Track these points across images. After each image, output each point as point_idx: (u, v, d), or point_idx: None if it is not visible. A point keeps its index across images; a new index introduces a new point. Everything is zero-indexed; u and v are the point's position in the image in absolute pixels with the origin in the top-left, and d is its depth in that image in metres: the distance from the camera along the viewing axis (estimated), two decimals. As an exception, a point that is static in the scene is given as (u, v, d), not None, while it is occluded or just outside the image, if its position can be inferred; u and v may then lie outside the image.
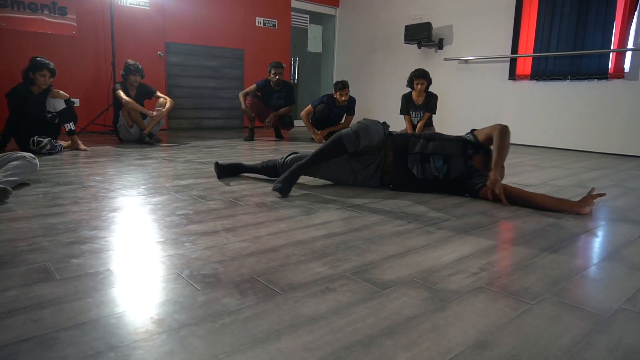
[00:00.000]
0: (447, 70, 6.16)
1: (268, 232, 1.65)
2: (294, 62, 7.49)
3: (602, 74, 4.77)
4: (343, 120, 5.31)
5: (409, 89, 4.71)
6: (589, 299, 1.17)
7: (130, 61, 4.56)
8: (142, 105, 4.69)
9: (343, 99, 4.92)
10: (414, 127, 4.68)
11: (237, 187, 2.49)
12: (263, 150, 4.23)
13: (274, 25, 6.91)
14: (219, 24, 6.37)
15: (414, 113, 4.65)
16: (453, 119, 6.15)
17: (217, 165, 2.72)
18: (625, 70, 4.64)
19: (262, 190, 2.42)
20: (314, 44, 7.82)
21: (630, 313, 1.11)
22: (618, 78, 4.68)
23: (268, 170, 2.70)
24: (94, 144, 4.36)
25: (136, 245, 1.47)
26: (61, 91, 3.84)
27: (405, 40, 6.36)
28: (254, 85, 5.15)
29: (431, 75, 4.72)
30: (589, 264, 1.44)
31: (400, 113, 4.74)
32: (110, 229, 1.63)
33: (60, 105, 3.81)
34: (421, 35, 6.14)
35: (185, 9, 6.02)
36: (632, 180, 3.12)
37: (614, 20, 4.67)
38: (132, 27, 5.61)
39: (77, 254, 1.37)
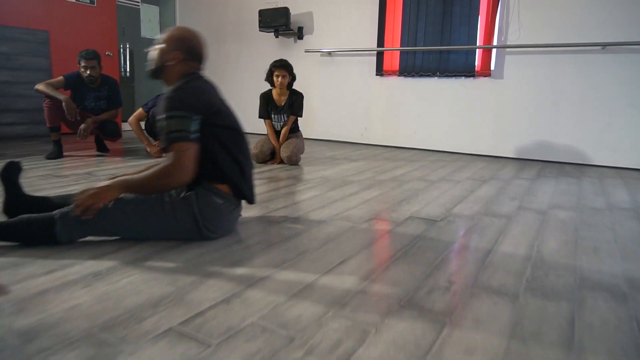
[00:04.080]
0: (308, 63, 5.45)
1: None
2: (124, 49, 6.04)
3: (469, 72, 4.52)
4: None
5: (268, 87, 3.83)
6: None
7: None
8: None
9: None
10: (277, 133, 3.82)
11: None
12: (73, 176, 2.94)
13: (91, 2, 5.38)
14: (5, -5, 4.65)
15: (276, 117, 3.78)
16: (316, 119, 5.48)
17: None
18: (491, 68, 4.44)
19: None
20: (149, 29, 6.43)
21: None
22: (485, 76, 4.47)
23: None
24: None
25: None
26: None
27: (260, 27, 5.45)
28: (60, 78, 3.72)
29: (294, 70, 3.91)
30: None
31: (260, 117, 3.84)
32: None
33: None
34: (278, 22, 5.31)
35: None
36: (531, 197, 2.72)
37: (478, 14, 4.42)
38: None
39: None
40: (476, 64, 4.50)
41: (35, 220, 1.62)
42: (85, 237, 1.68)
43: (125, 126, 5.59)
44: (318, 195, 2.62)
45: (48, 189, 2.58)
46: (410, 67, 4.81)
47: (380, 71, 5.01)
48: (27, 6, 4.83)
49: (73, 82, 3.75)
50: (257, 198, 2.51)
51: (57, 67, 5.07)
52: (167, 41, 1.77)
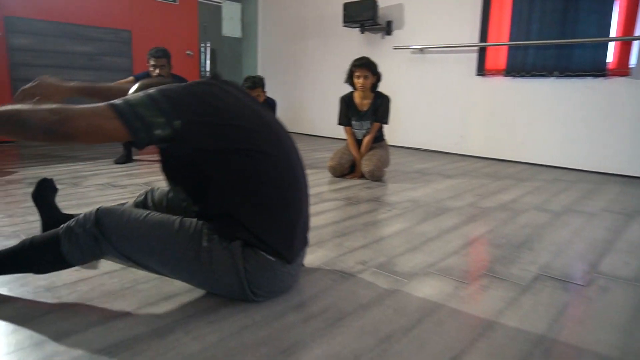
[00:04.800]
0: (397, 62, 4.85)
1: None
2: (205, 49, 5.88)
3: (599, 70, 3.64)
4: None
5: (350, 89, 3.32)
6: None
7: None
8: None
9: (254, 102, 3.43)
10: (358, 143, 3.29)
11: None
12: (131, 186, 2.66)
13: (174, 0, 5.25)
14: (91, -5, 4.62)
15: (357, 123, 3.26)
16: (404, 126, 4.86)
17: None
18: (630, 66, 3.53)
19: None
20: (230, 27, 6.23)
21: None
22: (621, 75, 3.57)
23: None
24: None
25: None
26: None
27: (344, 22, 4.96)
28: (130, 78, 3.55)
29: (378, 68, 3.36)
30: None
31: (339, 123, 3.34)
32: None
33: None
34: (364, 16, 4.77)
35: (34, -31, 4.24)
36: None
37: (614, -1, 3.53)
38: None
39: None
40: (609, 61, 3.61)
41: (40, 241, 1.24)
42: (102, 257, 1.28)
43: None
44: (406, 228, 2.06)
45: (100, 203, 2.29)
46: (520, 66, 4.02)
47: (481, 70, 4.28)
48: (111, 6, 4.78)
49: (143, 83, 3.53)
50: (331, 228, 2.01)
51: (138, 67, 4.98)
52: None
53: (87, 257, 1.24)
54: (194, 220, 1.25)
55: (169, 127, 1.10)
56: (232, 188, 1.18)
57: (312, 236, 1.90)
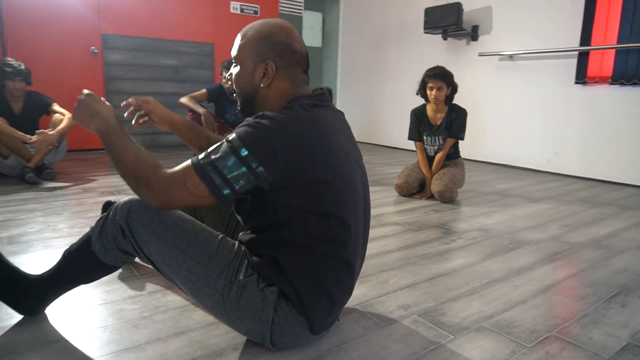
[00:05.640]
0: (482, 70, 4.46)
1: None
2: (285, 59, 5.93)
3: None
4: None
5: (422, 101, 3.07)
6: None
7: (10, 60, 3.12)
8: (37, 124, 3.28)
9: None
10: (430, 159, 3.03)
11: None
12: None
13: (255, 12, 5.36)
14: (179, 10, 4.86)
15: (429, 139, 2.99)
16: (488, 140, 4.45)
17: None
18: None
19: None
20: (311, 36, 6.22)
21: None
22: None
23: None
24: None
25: None
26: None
27: (425, 28, 4.68)
28: (203, 91, 3.63)
29: (462, 77, 3.06)
30: None
31: (409, 138, 3.10)
32: None
33: None
34: (447, 21, 4.45)
35: (128, -11, 4.55)
36: None
37: None
38: (52, 13, 4.17)
39: None
40: None
41: (76, 246, 1.19)
42: (133, 257, 1.18)
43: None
44: (468, 265, 1.79)
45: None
46: (632, 72, 3.45)
47: (582, 78, 3.75)
48: (195, 20, 4.99)
49: (215, 94, 3.62)
50: (380, 260, 1.81)
51: (219, 78, 5.15)
52: (247, 48, 1.16)
53: (120, 254, 1.15)
54: (236, 244, 1.14)
55: (251, 180, 1.00)
56: (294, 242, 1.06)
57: (355, 268, 1.71)
